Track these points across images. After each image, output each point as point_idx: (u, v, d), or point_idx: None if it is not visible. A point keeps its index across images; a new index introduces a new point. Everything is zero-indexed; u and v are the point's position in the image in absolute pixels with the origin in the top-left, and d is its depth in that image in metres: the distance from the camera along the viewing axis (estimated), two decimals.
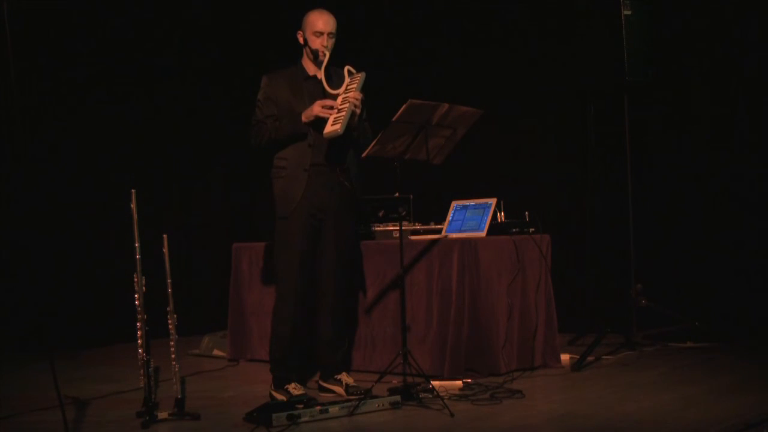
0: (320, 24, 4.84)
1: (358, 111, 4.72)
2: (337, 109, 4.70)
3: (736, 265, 6.25)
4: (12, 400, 4.98)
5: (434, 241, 5.41)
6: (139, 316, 4.42)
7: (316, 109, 4.74)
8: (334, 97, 4.79)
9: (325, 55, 4.82)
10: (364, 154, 4.78)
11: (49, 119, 6.91)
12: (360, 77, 4.78)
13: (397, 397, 4.55)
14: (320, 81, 4.85)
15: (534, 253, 5.56)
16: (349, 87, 4.78)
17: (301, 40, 4.94)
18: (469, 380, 5.08)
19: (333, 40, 4.88)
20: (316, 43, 4.85)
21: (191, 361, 6.30)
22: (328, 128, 4.67)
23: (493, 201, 5.51)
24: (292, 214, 4.85)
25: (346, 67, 4.87)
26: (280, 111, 4.88)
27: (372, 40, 7.61)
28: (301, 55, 4.99)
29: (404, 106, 4.60)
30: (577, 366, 5.44)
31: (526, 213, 5.67)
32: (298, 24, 4.95)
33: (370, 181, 5.40)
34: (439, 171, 5.32)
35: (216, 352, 6.48)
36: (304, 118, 4.78)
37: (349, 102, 4.68)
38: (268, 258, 5.92)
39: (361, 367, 5.59)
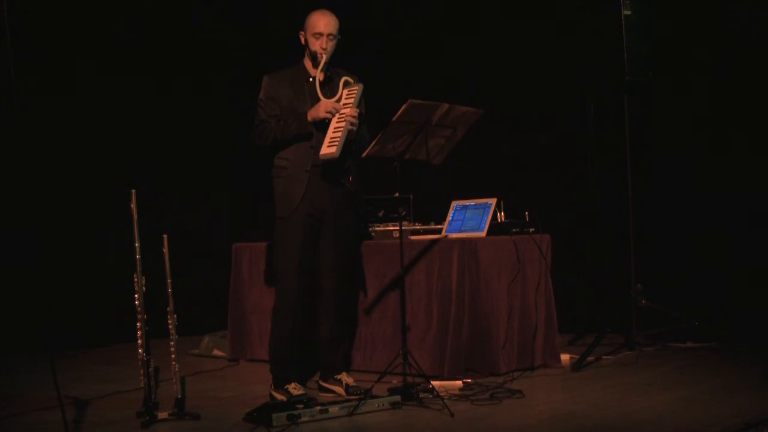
0: (320, 25, 4.83)
1: (354, 129, 4.73)
2: (333, 128, 4.71)
3: (736, 264, 6.24)
4: (12, 400, 4.98)
5: (434, 241, 5.41)
6: (139, 316, 4.42)
7: (322, 112, 4.75)
8: None
9: (322, 57, 4.82)
10: (364, 154, 4.78)
11: (48, 116, 6.91)
12: (358, 90, 4.77)
13: (397, 397, 4.55)
14: (322, 82, 4.85)
15: (534, 253, 5.56)
16: (346, 101, 4.78)
17: (303, 41, 4.94)
18: (469, 380, 5.08)
19: (334, 41, 4.87)
20: (315, 45, 4.84)
21: (191, 361, 6.30)
22: (324, 150, 4.68)
23: (493, 201, 5.51)
24: (292, 215, 4.85)
25: (344, 78, 4.87)
26: (282, 111, 4.88)
27: (372, 39, 7.60)
28: (304, 55, 4.98)
29: (404, 106, 4.59)
30: (577, 366, 5.44)
31: (526, 213, 5.67)
32: (301, 23, 4.95)
33: (370, 181, 5.40)
34: (439, 171, 5.32)
35: (216, 352, 6.48)
36: (309, 118, 4.79)
37: (345, 120, 4.69)
38: (269, 258, 5.92)
39: (361, 367, 5.59)
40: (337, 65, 4.99)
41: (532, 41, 7.00)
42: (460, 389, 4.91)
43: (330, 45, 4.85)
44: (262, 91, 4.94)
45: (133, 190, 4.41)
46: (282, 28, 7.11)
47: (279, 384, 4.92)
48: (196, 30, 7.75)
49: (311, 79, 4.90)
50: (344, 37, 4.93)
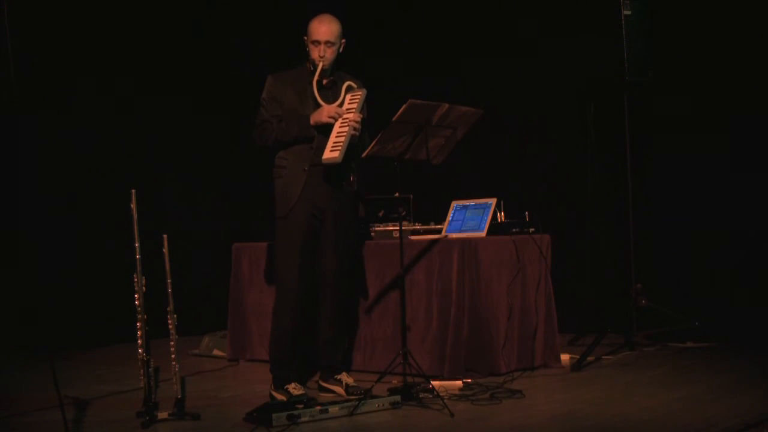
0: (319, 33, 4.82)
1: (357, 134, 4.73)
2: (336, 132, 4.71)
3: (736, 264, 6.24)
4: (12, 400, 4.99)
5: (434, 241, 5.41)
6: (139, 316, 4.42)
7: (324, 116, 4.75)
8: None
9: (319, 65, 4.81)
10: (364, 154, 4.78)
11: (49, 116, 6.91)
12: (361, 95, 4.78)
13: (397, 397, 4.55)
14: (325, 87, 4.85)
15: (534, 253, 5.56)
16: (349, 105, 4.77)
17: (306, 45, 4.93)
18: (469, 380, 5.09)
19: (334, 48, 4.85)
20: (314, 53, 4.84)
21: (191, 361, 6.30)
22: (327, 154, 4.68)
23: (493, 201, 5.51)
24: (290, 213, 4.85)
25: (347, 83, 4.87)
26: (284, 112, 4.87)
27: (372, 40, 7.60)
28: (307, 57, 4.97)
29: (404, 106, 4.59)
30: (577, 366, 5.44)
31: (526, 213, 5.67)
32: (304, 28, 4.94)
33: (370, 181, 5.40)
34: (439, 171, 5.32)
35: (216, 352, 6.48)
36: (312, 122, 4.79)
37: (348, 125, 4.69)
38: (269, 258, 5.93)
39: (361, 367, 5.59)
40: (341, 68, 4.98)
41: (532, 41, 7.00)
42: (460, 389, 4.91)
43: (329, 52, 4.84)
44: (265, 91, 4.94)
45: (133, 190, 4.41)
46: (284, 27, 7.11)
47: (279, 384, 4.92)
48: (197, 30, 7.74)
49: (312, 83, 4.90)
50: (348, 40, 4.92)
